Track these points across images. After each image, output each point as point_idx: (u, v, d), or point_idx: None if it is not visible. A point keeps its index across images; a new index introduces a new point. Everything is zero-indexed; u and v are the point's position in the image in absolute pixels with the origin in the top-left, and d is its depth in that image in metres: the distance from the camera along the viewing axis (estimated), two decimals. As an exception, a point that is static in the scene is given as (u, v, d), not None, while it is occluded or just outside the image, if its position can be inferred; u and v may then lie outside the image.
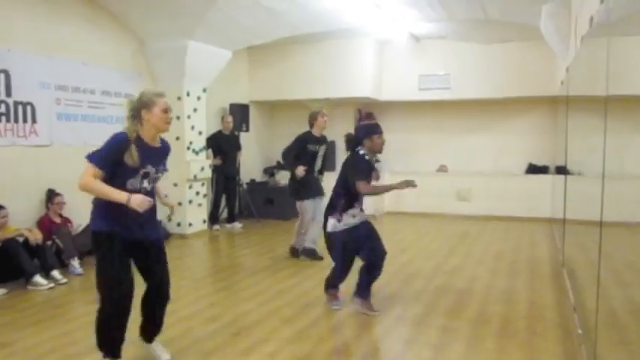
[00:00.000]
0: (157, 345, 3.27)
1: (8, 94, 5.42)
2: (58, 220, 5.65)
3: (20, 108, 5.57)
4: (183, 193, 7.53)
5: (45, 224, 5.52)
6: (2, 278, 4.86)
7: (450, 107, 9.84)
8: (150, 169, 2.99)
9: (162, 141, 3.12)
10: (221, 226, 8.25)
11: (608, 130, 2.53)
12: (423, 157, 10.10)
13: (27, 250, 5.01)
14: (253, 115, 9.57)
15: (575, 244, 4.65)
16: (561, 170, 6.67)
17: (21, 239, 5.07)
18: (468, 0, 6.32)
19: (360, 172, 4.01)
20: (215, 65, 7.73)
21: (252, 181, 9.55)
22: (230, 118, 8.32)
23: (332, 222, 4.12)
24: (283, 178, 9.54)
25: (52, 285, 4.93)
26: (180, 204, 7.51)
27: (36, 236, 5.15)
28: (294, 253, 6.18)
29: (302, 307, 4.32)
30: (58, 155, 5.97)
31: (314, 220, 5.85)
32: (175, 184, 7.44)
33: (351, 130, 4.37)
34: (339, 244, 4.14)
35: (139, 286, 3.06)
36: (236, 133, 8.57)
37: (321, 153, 6.09)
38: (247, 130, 9.10)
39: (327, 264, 4.42)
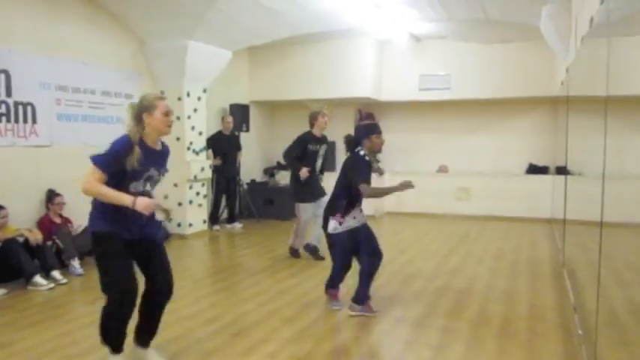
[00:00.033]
0: (152, 352, 3.21)
1: (8, 94, 5.42)
2: (58, 220, 5.65)
3: (20, 108, 5.57)
4: (183, 194, 7.54)
5: (45, 224, 5.52)
6: (2, 278, 4.86)
7: (451, 107, 9.84)
8: (152, 172, 3.00)
9: (162, 144, 3.12)
10: (221, 227, 8.25)
11: (608, 131, 2.53)
12: (424, 158, 10.10)
13: (27, 250, 5.01)
14: (253, 115, 9.57)
15: (575, 245, 4.65)
16: (562, 170, 6.67)
17: (21, 239, 5.07)
18: (468, 0, 6.32)
19: (361, 174, 4.01)
20: (215, 65, 7.73)
21: (253, 181, 9.55)
22: (230, 119, 8.32)
23: (333, 224, 4.11)
24: (283, 178, 9.55)
25: (52, 285, 4.93)
26: (180, 204, 7.52)
27: (36, 236, 5.16)
28: (294, 253, 6.18)
29: (302, 308, 4.32)
30: (58, 155, 5.97)
31: (316, 216, 5.82)
32: (176, 185, 7.44)
33: (352, 131, 4.36)
34: (339, 245, 4.16)
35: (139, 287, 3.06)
36: (236, 133, 8.57)
37: (321, 152, 6.10)
38: (247, 130, 9.10)
39: (328, 264, 4.42)
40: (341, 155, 6.27)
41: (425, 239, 7.50)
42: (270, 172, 10.10)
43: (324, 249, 5.12)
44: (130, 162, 2.83)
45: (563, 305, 4.37)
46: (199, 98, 7.71)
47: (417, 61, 9.49)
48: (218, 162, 8.16)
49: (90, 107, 6.43)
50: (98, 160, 2.81)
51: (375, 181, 4.41)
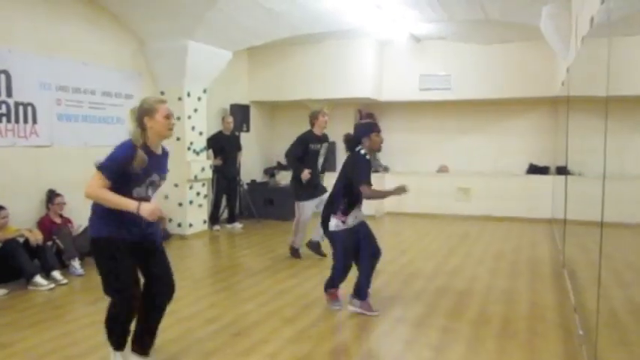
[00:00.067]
0: None
1: (9, 94, 5.42)
2: (58, 220, 5.65)
3: (21, 108, 5.57)
4: (183, 194, 7.54)
5: (45, 225, 5.52)
6: (3, 279, 4.86)
7: (451, 108, 9.84)
8: (154, 177, 3.01)
9: (162, 147, 3.12)
10: (221, 227, 8.25)
11: (608, 131, 2.53)
12: (424, 158, 10.10)
13: (27, 250, 5.01)
14: (254, 115, 9.57)
15: (575, 245, 4.65)
16: (562, 171, 6.66)
17: (21, 240, 5.07)
18: (468, 0, 6.32)
19: (362, 175, 4.02)
20: (215, 66, 7.74)
21: (253, 181, 9.55)
22: (230, 119, 8.32)
23: (335, 222, 4.12)
24: (283, 178, 9.56)
25: (52, 285, 4.93)
26: (180, 204, 7.53)
27: (36, 237, 5.16)
28: (295, 253, 6.17)
29: (302, 308, 4.32)
30: (58, 156, 5.97)
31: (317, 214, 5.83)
32: (176, 185, 7.44)
33: (352, 131, 4.36)
34: (340, 243, 4.16)
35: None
36: (236, 133, 8.57)
37: (322, 151, 6.13)
38: (248, 130, 9.10)
39: (328, 264, 4.42)
40: (341, 155, 6.27)
41: (425, 239, 7.49)
42: (270, 172, 10.10)
43: (326, 247, 5.11)
44: (134, 167, 2.83)
45: (564, 305, 4.37)
46: (199, 98, 7.71)
47: (418, 61, 9.49)
48: (218, 162, 8.16)
49: (90, 107, 6.43)
50: (102, 167, 2.80)
51: (379, 179, 4.43)
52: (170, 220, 7.50)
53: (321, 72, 9.23)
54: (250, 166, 9.62)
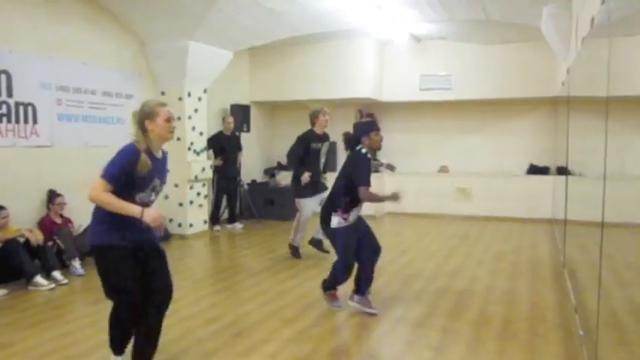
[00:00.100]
0: None
1: (9, 94, 5.43)
2: (58, 220, 5.65)
3: (21, 108, 5.57)
4: (184, 194, 7.54)
5: (46, 225, 5.52)
6: (3, 279, 4.86)
7: (451, 108, 9.84)
8: (156, 181, 3.01)
9: (162, 151, 3.12)
10: (222, 227, 8.25)
11: (609, 131, 2.53)
12: (424, 158, 10.10)
13: (28, 250, 5.01)
14: (254, 115, 9.58)
15: (576, 245, 4.64)
16: (562, 171, 6.66)
17: (22, 240, 5.07)
18: (469, 1, 6.32)
19: (362, 176, 4.01)
20: (216, 66, 7.74)
21: (253, 181, 9.56)
22: (231, 119, 8.33)
23: (337, 219, 4.10)
24: (284, 178, 9.56)
25: (52, 285, 4.93)
26: (181, 204, 7.53)
27: (37, 237, 5.16)
28: (295, 252, 6.16)
29: (303, 308, 4.32)
30: (59, 156, 5.98)
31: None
32: (176, 185, 7.44)
33: (352, 130, 4.35)
34: (340, 240, 4.15)
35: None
36: (237, 133, 8.57)
37: (324, 150, 6.15)
38: (248, 130, 9.11)
39: (328, 264, 4.41)
40: (342, 155, 6.27)
41: (425, 240, 7.49)
42: (270, 172, 10.10)
43: (328, 246, 5.12)
44: (138, 171, 2.83)
45: (564, 306, 4.37)
46: (200, 98, 7.71)
47: (418, 61, 9.49)
48: (219, 162, 8.17)
49: (90, 107, 6.43)
50: (106, 174, 2.79)
51: (378, 179, 4.44)
52: (170, 220, 7.51)
53: (321, 72, 9.23)
54: (251, 167, 9.62)
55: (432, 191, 9.58)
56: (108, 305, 3.03)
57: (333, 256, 4.39)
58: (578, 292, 4.11)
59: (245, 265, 5.98)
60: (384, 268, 5.58)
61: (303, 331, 3.81)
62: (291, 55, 9.46)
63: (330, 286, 4.29)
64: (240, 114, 8.81)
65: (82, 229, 5.67)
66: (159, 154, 3.03)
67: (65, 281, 5.07)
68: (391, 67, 9.66)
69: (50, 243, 5.38)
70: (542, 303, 4.48)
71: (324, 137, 6.15)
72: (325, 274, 4.35)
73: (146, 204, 2.94)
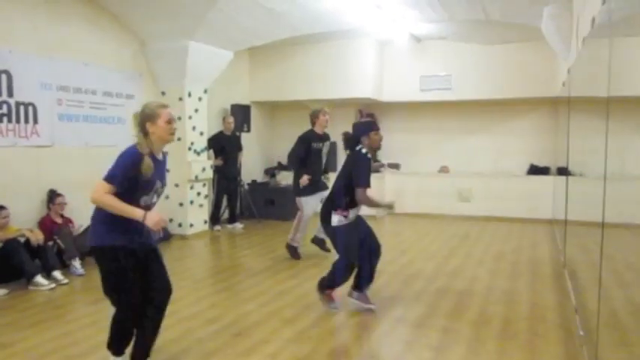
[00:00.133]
0: None
1: (10, 94, 5.43)
2: (59, 220, 5.65)
3: (22, 108, 5.57)
4: (184, 194, 7.54)
5: (46, 224, 5.52)
6: (3, 278, 4.86)
7: (451, 108, 9.83)
8: (158, 184, 3.02)
9: (162, 153, 3.13)
10: (222, 227, 8.25)
11: (609, 132, 2.53)
12: (424, 158, 10.09)
13: (28, 250, 5.01)
14: (254, 115, 9.58)
15: (576, 246, 4.64)
16: (563, 171, 6.66)
17: (22, 240, 5.07)
18: (469, 1, 6.32)
19: (362, 177, 4.01)
20: (216, 66, 7.74)
21: (254, 181, 9.56)
22: (231, 119, 8.33)
23: (337, 218, 4.09)
24: (284, 178, 9.56)
25: (53, 285, 4.93)
26: (181, 204, 7.54)
27: (37, 236, 5.16)
28: (294, 253, 6.11)
29: (303, 308, 4.32)
30: (59, 156, 5.98)
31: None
32: (177, 185, 7.44)
33: (351, 130, 4.35)
34: (341, 238, 4.12)
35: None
36: (237, 133, 8.57)
37: (325, 150, 6.16)
38: (248, 130, 9.11)
39: (329, 264, 4.40)
40: (342, 155, 6.28)
41: (425, 240, 7.49)
42: (271, 172, 10.10)
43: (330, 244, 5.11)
44: (143, 174, 2.84)
45: (564, 306, 4.37)
46: (200, 99, 7.71)
47: (418, 61, 9.49)
48: (219, 162, 8.17)
49: (91, 107, 6.43)
50: (110, 177, 2.79)
51: (379, 179, 4.43)
52: (171, 220, 7.51)
53: (321, 72, 9.23)
54: (251, 167, 9.62)
55: (432, 191, 9.58)
56: (108, 305, 3.03)
57: (333, 256, 4.38)
58: (578, 292, 4.11)
59: (245, 265, 5.98)
60: (384, 268, 5.57)
61: (303, 331, 3.81)
62: (291, 55, 9.47)
63: (328, 284, 4.24)
64: (241, 114, 8.81)
65: (82, 229, 5.67)
66: (160, 156, 3.04)
67: (65, 281, 5.07)
68: (391, 67, 9.66)
69: (50, 243, 5.38)
70: (542, 303, 4.48)
71: (325, 137, 6.16)
72: (326, 273, 4.33)
73: (149, 206, 2.96)
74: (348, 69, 9.10)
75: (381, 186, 9.46)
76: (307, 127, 6.11)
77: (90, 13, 6.42)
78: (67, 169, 6.04)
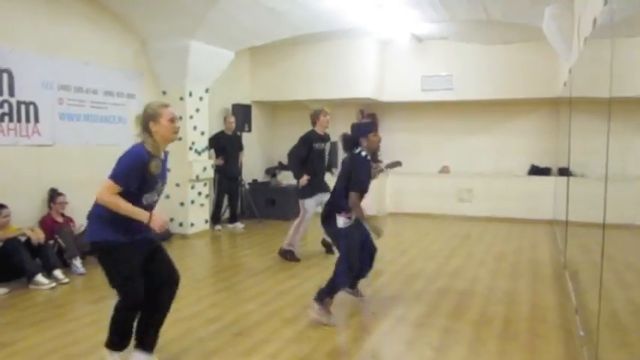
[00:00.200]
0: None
1: (11, 93, 5.43)
2: (60, 219, 5.65)
3: (23, 107, 5.58)
4: (185, 193, 7.54)
5: (47, 224, 5.52)
6: (4, 277, 4.86)
7: (453, 108, 9.83)
8: (160, 182, 3.04)
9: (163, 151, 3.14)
10: (223, 227, 8.25)
11: (611, 132, 2.53)
12: (425, 158, 10.09)
13: (29, 249, 5.02)
14: (255, 115, 9.58)
15: (577, 246, 4.64)
16: (564, 172, 6.66)
17: (23, 239, 5.08)
18: (470, 1, 6.31)
19: (358, 183, 3.97)
20: (217, 65, 7.74)
21: (254, 181, 9.56)
22: (232, 119, 8.33)
23: (343, 220, 4.03)
24: (285, 178, 9.56)
25: (53, 284, 4.94)
26: (182, 204, 7.54)
27: (38, 236, 5.16)
28: (291, 256, 5.99)
29: (303, 308, 4.31)
30: (60, 155, 5.98)
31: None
32: (178, 184, 7.44)
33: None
34: (344, 240, 4.07)
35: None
36: (238, 133, 8.57)
37: (327, 150, 6.15)
38: (249, 130, 9.11)
39: (329, 264, 4.41)
40: (342, 155, 6.28)
41: (426, 240, 7.49)
42: (271, 172, 10.10)
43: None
44: (151, 173, 2.85)
45: (565, 307, 4.37)
46: (201, 98, 7.71)
47: (419, 61, 9.48)
48: (220, 162, 8.17)
49: (92, 107, 6.43)
50: (116, 177, 2.81)
51: (379, 179, 4.42)
52: (172, 219, 7.51)
53: (322, 72, 9.23)
54: (252, 166, 9.63)
55: (433, 191, 9.58)
56: (109, 304, 3.03)
57: (333, 256, 4.36)
58: (579, 293, 4.11)
59: (246, 265, 5.98)
60: (385, 268, 5.58)
61: (303, 331, 3.81)
62: (292, 55, 9.46)
63: (328, 291, 4.00)
64: (242, 114, 8.81)
65: (82, 229, 5.66)
66: (161, 155, 3.05)
67: (66, 280, 5.07)
68: (392, 67, 9.66)
69: (51, 242, 5.38)
70: (542, 304, 4.48)
71: (326, 137, 6.16)
72: (325, 274, 4.32)
73: (151, 205, 2.97)
74: (349, 69, 9.09)
75: (382, 186, 9.46)
76: (308, 127, 6.10)
77: (91, 12, 6.43)
78: (68, 168, 6.04)
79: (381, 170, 4.52)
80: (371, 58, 9.17)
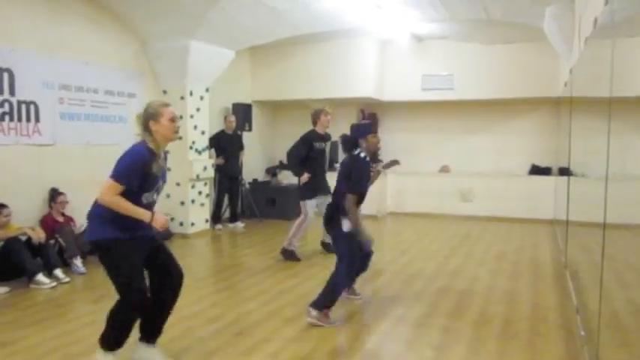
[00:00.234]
0: (158, 352, 3.22)
1: (12, 93, 5.44)
2: (60, 219, 5.66)
3: (24, 107, 5.58)
4: (185, 193, 7.55)
5: (48, 223, 5.53)
6: (5, 277, 4.87)
7: (453, 108, 9.83)
8: (160, 181, 3.04)
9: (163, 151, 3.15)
10: (223, 226, 8.26)
11: (611, 132, 2.53)
12: (426, 158, 10.09)
13: (30, 248, 5.02)
14: (256, 114, 9.58)
15: (578, 246, 4.64)
16: (564, 171, 6.66)
17: (24, 238, 5.08)
18: (470, 0, 6.31)
19: (355, 185, 3.95)
20: (217, 65, 7.74)
21: (255, 180, 9.56)
22: (233, 118, 8.33)
23: (348, 223, 3.98)
24: (285, 177, 9.56)
25: (54, 284, 4.94)
26: (182, 203, 7.54)
27: (39, 235, 5.17)
28: (291, 256, 5.99)
29: (303, 307, 4.29)
30: (61, 154, 5.99)
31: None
32: (178, 184, 7.45)
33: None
34: (346, 243, 4.03)
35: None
36: (239, 132, 8.57)
37: (327, 150, 6.17)
38: (250, 129, 9.10)
39: (329, 264, 4.40)
40: (343, 155, 6.28)
41: (426, 239, 7.49)
42: (272, 171, 10.10)
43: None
44: (154, 172, 2.85)
45: (565, 306, 4.37)
46: (202, 97, 7.71)
47: (419, 61, 9.48)
48: (220, 161, 8.17)
49: (93, 106, 6.44)
50: (118, 177, 2.81)
51: (380, 178, 4.40)
52: (172, 219, 7.51)
53: (322, 71, 9.23)
54: (252, 166, 9.63)
55: (433, 191, 9.58)
56: (109, 304, 3.03)
57: (334, 256, 4.31)
58: (579, 292, 4.11)
59: (246, 265, 5.98)
60: (385, 268, 5.58)
61: (304, 331, 3.81)
62: (292, 55, 9.46)
63: (328, 300, 3.94)
64: (242, 113, 8.81)
65: (83, 228, 5.67)
66: (161, 155, 3.05)
67: (67, 279, 5.08)
68: (392, 66, 9.66)
69: (52, 241, 5.39)
70: (543, 303, 4.48)
71: (327, 137, 6.17)
72: (325, 273, 4.29)
73: (150, 204, 2.97)
74: (350, 68, 9.10)
75: (383, 186, 9.46)
76: (308, 126, 6.11)
77: (91, 12, 6.43)
78: (69, 167, 6.04)
79: (379, 172, 4.50)
80: (371, 58, 9.17)
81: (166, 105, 3.01)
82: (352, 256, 4.04)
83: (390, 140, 9.73)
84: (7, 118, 5.39)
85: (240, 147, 8.53)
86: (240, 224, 8.33)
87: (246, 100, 9.42)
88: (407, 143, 10.05)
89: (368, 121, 4.44)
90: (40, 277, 4.91)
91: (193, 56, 7.15)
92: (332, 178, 4.63)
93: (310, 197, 5.96)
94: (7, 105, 5.39)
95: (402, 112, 10.22)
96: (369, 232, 4.15)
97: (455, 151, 9.92)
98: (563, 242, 6.21)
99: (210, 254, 7.02)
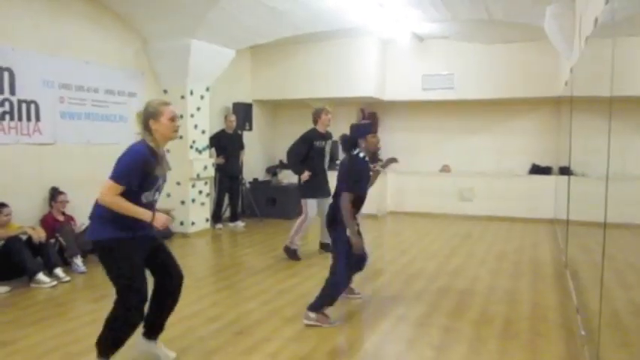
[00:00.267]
0: (161, 345, 3.26)
1: (12, 92, 5.44)
2: (61, 218, 5.66)
3: (24, 106, 5.58)
4: (186, 192, 7.55)
5: (48, 222, 5.53)
6: (5, 276, 4.87)
7: (453, 107, 9.83)
8: (160, 181, 3.03)
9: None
10: (224, 225, 8.26)
11: (612, 131, 2.52)
12: (426, 157, 10.09)
13: (30, 248, 5.03)
14: (256, 114, 9.58)
15: (578, 246, 4.64)
16: (565, 171, 6.65)
17: (24, 237, 5.08)
18: (472, 0, 6.31)
19: (353, 184, 3.93)
20: (218, 64, 7.74)
21: (255, 180, 9.56)
22: (233, 117, 8.33)
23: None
24: (286, 177, 9.56)
25: (55, 283, 4.95)
26: (183, 203, 7.54)
27: (39, 234, 5.17)
28: (293, 255, 6.00)
29: (304, 307, 4.29)
30: (61, 153, 5.99)
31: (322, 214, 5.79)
32: (178, 183, 7.45)
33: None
34: (345, 244, 4.00)
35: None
36: (239, 132, 8.57)
37: (327, 149, 6.17)
38: (250, 129, 9.10)
39: (329, 264, 4.38)
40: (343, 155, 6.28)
41: (427, 239, 7.49)
42: (272, 170, 10.10)
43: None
44: (157, 172, 2.85)
45: (566, 306, 4.37)
46: (202, 97, 7.71)
47: (420, 60, 9.48)
48: (221, 161, 8.17)
49: (93, 105, 6.44)
50: (119, 177, 2.81)
51: (380, 177, 4.39)
52: (173, 218, 7.50)
53: (323, 71, 9.23)
54: (253, 165, 9.63)
55: (433, 191, 9.58)
56: (110, 303, 3.03)
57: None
58: (580, 292, 4.11)
59: (246, 264, 5.98)
60: (386, 268, 5.58)
61: (304, 330, 3.81)
62: (293, 54, 9.46)
63: (324, 301, 3.93)
64: (243, 112, 8.81)
65: (83, 227, 5.67)
66: (161, 154, 3.05)
67: (67, 279, 5.08)
68: (393, 66, 9.65)
69: (52, 240, 5.39)
70: (543, 303, 4.48)
71: (327, 136, 6.17)
72: (325, 272, 4.26)
73: (151, 203, 2.97)
74: (351, 68, 9.09)
75: (383, 186, 9.45)
76: (309, 125, 6.11)
77: (92, 11, 6.43)
78: (69, 167, 6.05)
79: (378, 172, 4.48)
80: (372, 57, 9.16)
81: (166, 104, 3.00)
82: (349, 256, 4.03)
83: (391, 140, 9.73)
84: (7, 117, 5.40)
85: (241, 146, 8.53)
86: (240, 224, 8.33)
87: (247, 100, 9.42)
88: (407, 143, 10.05)
89: (368, 121, 4.40)
90: (41, 276, 4.91)
91: (194, 55, 7.15)
92: (333, 177, 4.62)
93: (311, 196, 5.96)
94: (7, 104, 5.40)
95: (403, 112, 10.21)
96: (364, 242, 4.08)
97: (455, 151, 9.92)
98: (563, 242, 6.20)
99: (210, 253, 7.03)
